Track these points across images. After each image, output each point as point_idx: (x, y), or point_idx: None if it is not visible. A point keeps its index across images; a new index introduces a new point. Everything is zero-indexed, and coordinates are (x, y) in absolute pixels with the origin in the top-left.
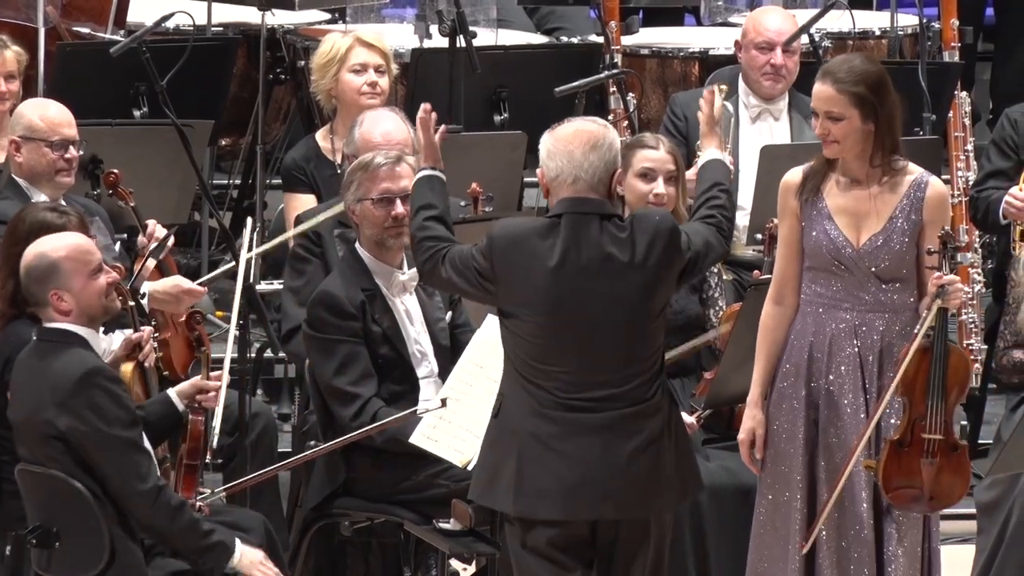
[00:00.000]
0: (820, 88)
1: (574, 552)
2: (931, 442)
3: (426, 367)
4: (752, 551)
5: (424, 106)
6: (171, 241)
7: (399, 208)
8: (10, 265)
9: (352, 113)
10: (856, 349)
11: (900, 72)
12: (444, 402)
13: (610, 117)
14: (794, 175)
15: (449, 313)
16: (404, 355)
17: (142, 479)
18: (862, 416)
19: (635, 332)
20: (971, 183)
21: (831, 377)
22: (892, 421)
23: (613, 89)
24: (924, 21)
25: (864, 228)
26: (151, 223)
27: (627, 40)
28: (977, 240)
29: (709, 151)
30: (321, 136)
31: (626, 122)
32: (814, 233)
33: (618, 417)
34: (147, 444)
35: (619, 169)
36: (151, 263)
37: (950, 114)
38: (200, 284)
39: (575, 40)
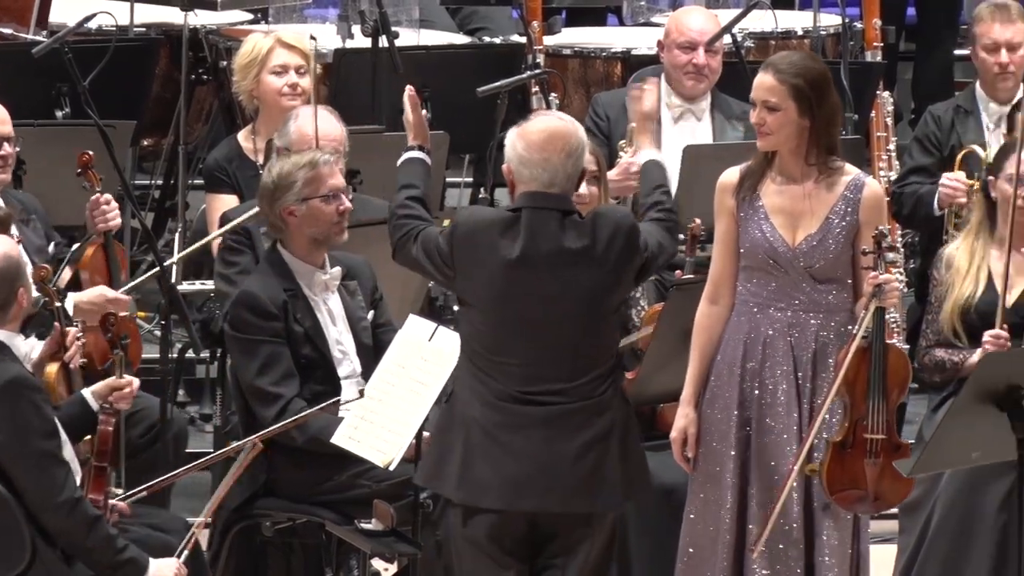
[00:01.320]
0: (761, 78)
1: (512, 547)
2: (874, 442)
3: (348, 366)
4: (682, 549)
5: (410, 87)
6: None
7: (344, 203)
8: None
9: (273, 114)
10: (790, 349)
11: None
12: (362, 393)
13: None
14: (731, 175)
15: (371, 312)
16: (326, 355)
17: (58, 491)
18: (795, 415)
19: (589, 328)
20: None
21: (765, 377)
22: (832, 420)
23: (535, 89)
24: (846, 21)
25: (800, 228)
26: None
27: (549, 40)
28: (899, 240)
29: (645, 152)
30: (243, 136)
31: None
32: (750, 232)
33: (567, 412)
34: (68, 453)
35: (583, 167)
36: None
37: (872, 114)
38: (124, 292)
39: (497, 40)
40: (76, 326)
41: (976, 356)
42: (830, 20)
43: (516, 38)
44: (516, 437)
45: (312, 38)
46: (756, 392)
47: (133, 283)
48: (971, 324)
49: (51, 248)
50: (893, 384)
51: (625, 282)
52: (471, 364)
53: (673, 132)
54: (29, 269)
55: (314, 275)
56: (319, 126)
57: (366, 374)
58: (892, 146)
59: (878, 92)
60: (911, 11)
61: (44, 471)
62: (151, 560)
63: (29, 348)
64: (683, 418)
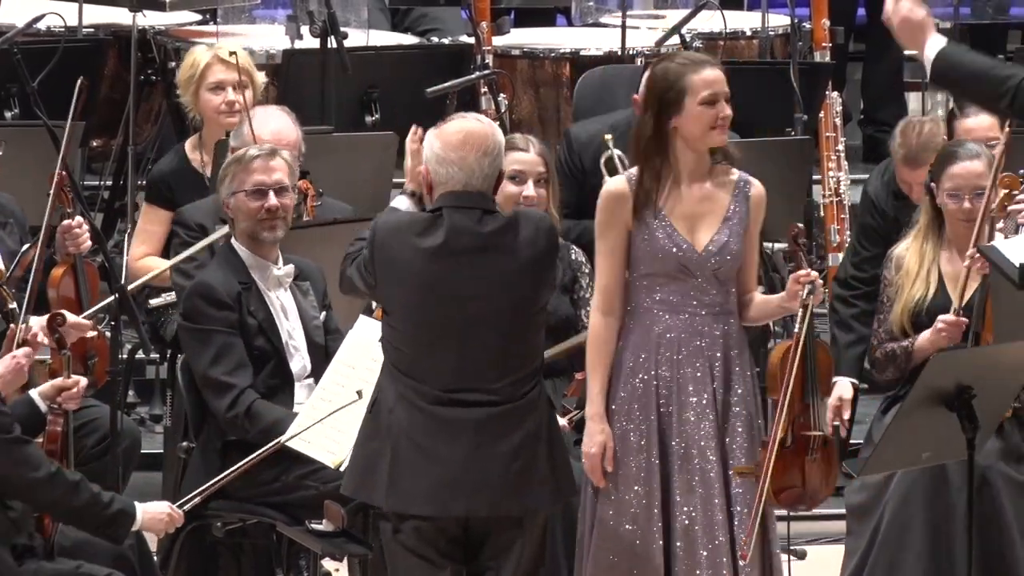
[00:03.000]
0: (718, 72)
1: (446, 549)
2: (815, 439)
3: (299, 362)
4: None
5: (415, 131)
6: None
7: (272, 200)
8: None
9: (214, 129)
10: (702, 352)
11: (771, 72)
12: (360, 394)
13: None
14: (620, 185)
15: (323, 313)
16: (279, 348)
17: (35, 468)
18: (712, 417)
19: (513, 328)
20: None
21: (680, 382)
22: (760, 422)
23: (484, 90)
24: (795, 21)
25: (703, 230)
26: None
27: (498, 41)
28: (848, 240)
29: None
30: (189, 147)
31: (497, 123)
32: (657, 242)
33: (493, 415)
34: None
35: (503, 169)
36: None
37: (821, 114)
38: (87, 317)
39: (447, 41)
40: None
41: (923, 336)
42: (779, 20)
43: (465, 39)
44: (443, 441)
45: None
46: (672, 398)
47: (93, 309)
48: (921, 326)
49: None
50: (824, 380)
51: (547, 282)
52: (395, 370)
53: None
54: None
55: (267, 269)
56: (275, 127)
57: (317, 373)
58: (841, 147)
59: (827, 93)
60: (861, 12)
61: (17, 455)
62: (138, 504)
63: None
64: (600, 433)
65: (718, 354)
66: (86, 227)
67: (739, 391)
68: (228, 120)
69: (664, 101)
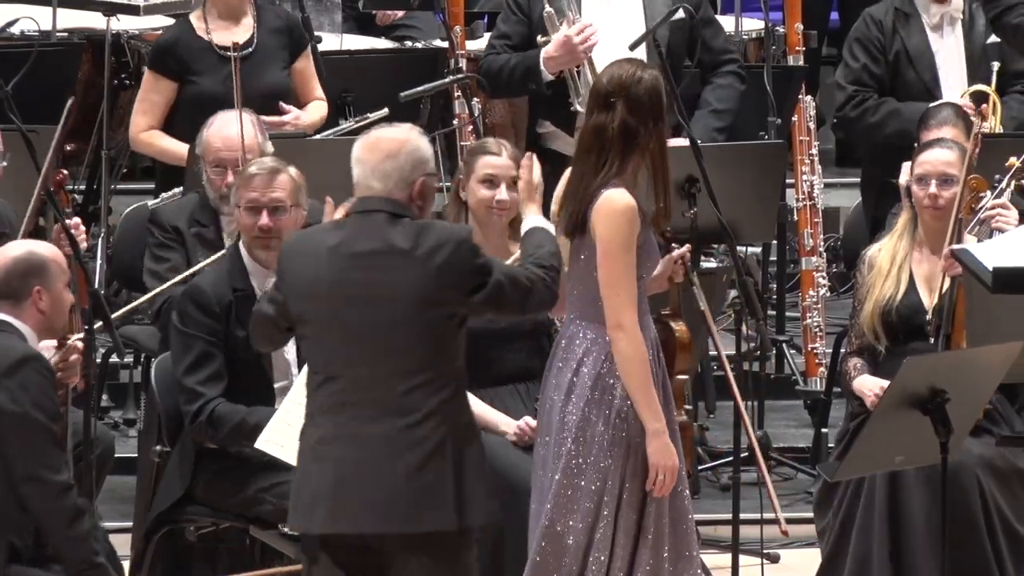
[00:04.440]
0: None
1: (354, 565)
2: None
3: (283, 377)
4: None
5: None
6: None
7: (264, 219)
8: None
9: None
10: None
11: (748, 75)
12: None
13: (455, 122)
14: (629, 196)
15: None
16: (262, 363)
17: (54, 471)
18: None
19: (416, 337)
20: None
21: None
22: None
23: (458, 94)
24: (769, 25)
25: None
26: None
27: (472, 45)
28: (822, 244)
29: (531, 218)
30: (195, 17)
31: (471, 127)
32: (655, 247)
33: (393, 428)
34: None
35: (423, 176)
36: None
37: (794, 118)
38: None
39: (420, 45)
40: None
41: (861, 385)
42: (752, 24)
43: (439, 43)
44: (341, 453)
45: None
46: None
47: (120, 312)
48: (891, 326)
49: None
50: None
51: (452, 295)
52: (308, 386)
53: (594, 2)
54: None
55: (267, 277)
56: (230, 132)
57: None
58: (815, 150)
59: (800, 96)
60: (834, 16)
61: (45, 447)
62: None
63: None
64: (675, 450)
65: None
66: (82, 227)
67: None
68: None
69: (660, 111)
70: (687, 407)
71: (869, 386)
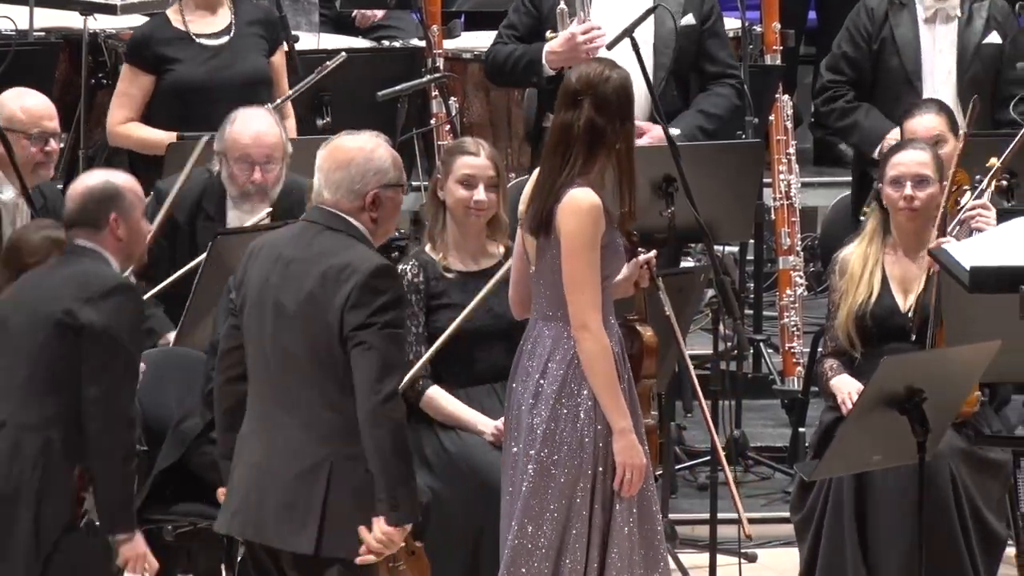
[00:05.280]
0: None
1: (265, 569)
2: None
3: None
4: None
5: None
6: None
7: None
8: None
9: None
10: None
11: (745, 93)
12: None
13: (432, 121)
14: (594, 195)
15: None
16: None
17: (125, 401)
18: None
19: (312, 352)
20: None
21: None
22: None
23: (435, 93)
24: (746, 24)
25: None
26: None
27: (449, 44)
28: (799, 244)
29: None
30: (172, 12)
31: (448, 126)
32: (621, 248)
33: (281, 440)
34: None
35: (377, 189)
36: None
37: (772, 117)
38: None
39: (398, 44)
40: None
41: (838, 384)
42: (730, 24)
43: (416, 42)
44: (246, 457)
45: None
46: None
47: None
48: (866, 331)
49: None
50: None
51: (342, 322)
52: None
53: None
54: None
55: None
56: (254, 129)
57: None
58: (792, 149)
59: (777, 96)
60: (812, 15)
61: (123, 375)
62: (138, 534)
63: None
64: (642, 449)
65: None
66: None
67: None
68: None
69: (628, 111)
70: (653, 412)
71: (845, 388)
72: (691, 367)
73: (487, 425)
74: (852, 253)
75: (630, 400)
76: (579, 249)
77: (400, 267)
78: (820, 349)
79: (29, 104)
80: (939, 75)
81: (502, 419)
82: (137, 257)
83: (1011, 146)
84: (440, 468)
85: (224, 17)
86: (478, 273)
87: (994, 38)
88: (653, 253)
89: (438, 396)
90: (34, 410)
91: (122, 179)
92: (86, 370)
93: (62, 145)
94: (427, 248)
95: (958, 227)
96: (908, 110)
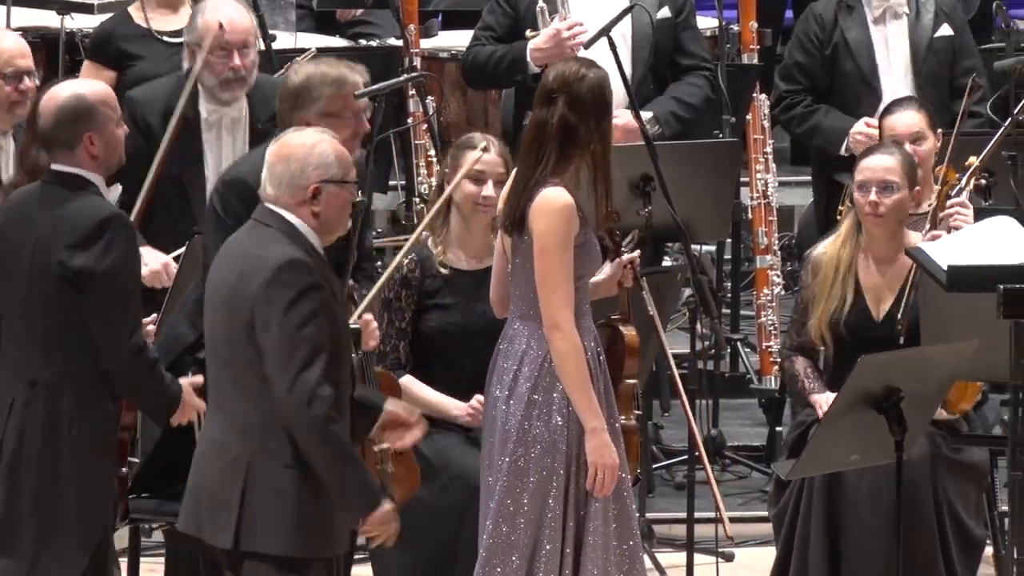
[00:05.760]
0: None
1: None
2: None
3: None
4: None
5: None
6: None
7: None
8: None
9: None
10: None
11: (717, 86)
12: None
13: (409, 120)
14: (566, 194)
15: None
16: None
17: (130, 332)
18: None
19: (238, 348)
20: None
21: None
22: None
23: (412, 92)
24: (723, 24)
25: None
26: None
27: (426, 43)
28: (776, 243)
29: None
30: (134, 9)
31: (425, 125)
32: (596, 248)
33: (215, 434)
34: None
35: (318, 183)
36: None
37: (749, 116)
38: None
39: (375, 43)
40: None
41: (823, 399)
42: (707, 23)
43: (393, 41)
44: (197, 450)
45: None
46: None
47: None
48: (840, 337)
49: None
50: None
51: (248, 320)
52: None
53: None
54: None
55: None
56: (226, 15)
57: None
58: (769, 148)
59: (754, 95)
60: (788, 14)
61: (123, 310)
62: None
63: (114, 196)
64: (615, 449)
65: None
66: None
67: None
68: None
69: (603, 110)
70: (637, 412)
71: (826, 404)
72: (674, 367)
73: (459, 407)
74: (825, 254)
75: (605, 400)
76: (551, 248)
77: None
78: (786, 342)
79: (1, 45)
80: (895, 73)
81: (475, 398)
82: (115, 165)
83: (989, 145)
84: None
85: (185, 15)
86: (480, 271)
87: (945, 31)
88: (636, 253)
89: (409, 384)
90: (60, 363)
91: (93, 91)
92: (89, 312)
93: (37, 83)
94: (428, 242)
95: (935, 225)
96: (888, 108)
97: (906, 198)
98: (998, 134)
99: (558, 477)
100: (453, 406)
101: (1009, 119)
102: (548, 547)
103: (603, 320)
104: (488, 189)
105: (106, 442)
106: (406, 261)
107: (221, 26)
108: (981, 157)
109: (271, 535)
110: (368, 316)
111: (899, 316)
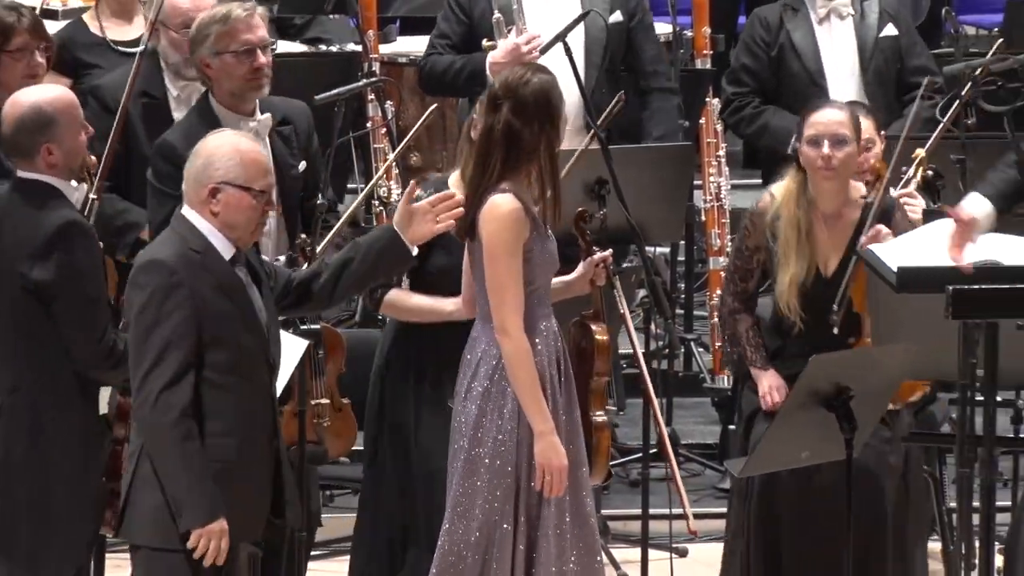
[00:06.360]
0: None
1: None
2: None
3: (272, 217)
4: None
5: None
6: None
7: (260, 59)
8: None
9: None
10: (565, 355)
11: (677, 89)
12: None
13: (369, 125)
14: (514, 201)
15: (303, 163)
16: None
17: (99, 335)
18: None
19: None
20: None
21: (562, 380)
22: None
23: (372, 97)
24: (677, 29)
25: (550, 236)
26: None
27: (385, 49)
28: (729, 244)
29: None
30: (88, 17)
31: (384, 129)
32: (549, 254)
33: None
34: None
35: (214, 184)
36: None
37: (702, 120)
38: None
39: (334, 49)
40: None
41: (766, 380)
42: (661, 28)
43: (353, 46)
44: None
45: None
46: (561, 395)
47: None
48: (806, 299)
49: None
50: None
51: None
52: None
53: (537, 3)
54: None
55: (240, 123)
56: None
57: (290, 217)
58: (722, 152)
59: (708, 99)
60: (742, 19)
61: (90, 315)
62: None
63: (80, 193)
64: (561, 446)
65: (564, 354)
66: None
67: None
68: None
69: (548, 115)
70: (610, 407)
71: (767, 382)
72: (643, 364)
73: (453, 302)
74: (780, 219)
75: (566, 398)
76: (499, 255)
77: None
78: (725, 296)
79: None
80: (842, 73)
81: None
82: (77, 168)
83: (931, 138)
84: (412, 486)
85: (140, 25)
86: None
87: (890, 30)
88: (609, 252)
89: (398, 295)
90: (36, 369)
91: (54, 98)
92: (57, 319)
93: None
94: (449, 180)
95: (881, 213)
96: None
97: (855, 152)
98: (937, 129)
99: (509, 477)
100: (447, 302)
101: (947, 114)
102: (501, 547)
103: (577, 318)
104: None
105: (88, 441)
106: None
107: (184, 5)
108: (927, 148)
109: (150, 527)
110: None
111: (836, 307)
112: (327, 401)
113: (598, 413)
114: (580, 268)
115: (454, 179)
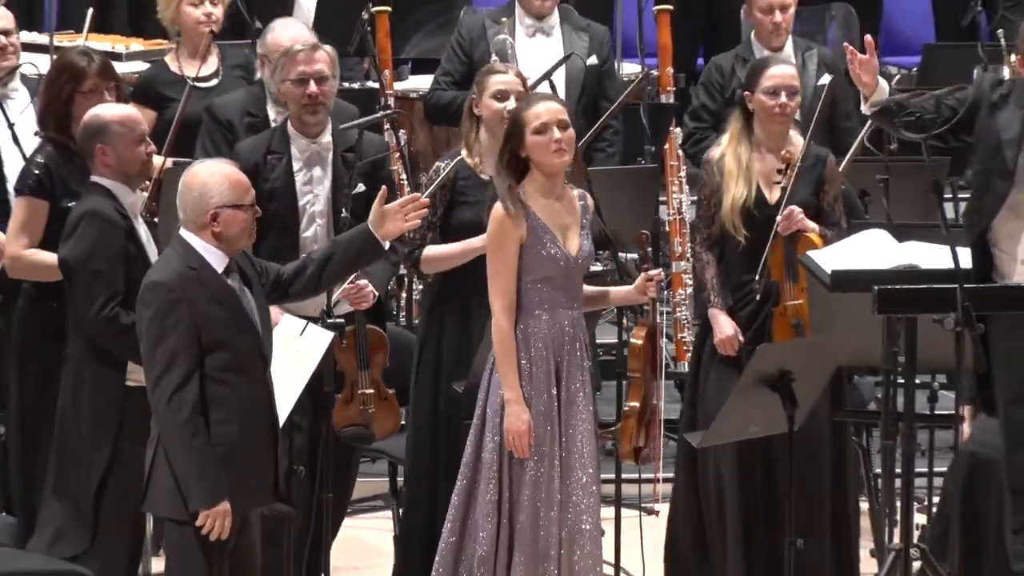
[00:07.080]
0: (550, 104)
1: None
2: (655, 408)
3: (312, 228)
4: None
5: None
6: None
7: (311, 88)
8: (50, 93)
9: (192, 39)
10: (575, 342)
11: (626, 111)
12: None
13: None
14: (500, 210)
15: (361, 186)
16: (287, 214)
17: (102, 305)
18: (591, 404)
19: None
20: (685, 140)
21: (568, 370)
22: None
23: (387, 126)
24: (645, 69)
25: (571, 237)
26: None
27: (399, 85)
28: (689, 251)
29: None
30: (169, 58)
31: (398, 153)
32: (547, 251)
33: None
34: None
35: (215, 208)
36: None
37: (666, 146)
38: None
39: (356, 86)
40: None
41: (719, 320)
42: (632, 68)
43: (371, 84)
44: None
45: None
46: (564, 386)
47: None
48: (752, 219)
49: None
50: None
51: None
52: None
53: (527, 46)
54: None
55: (304, 142)
56: (292, 34)
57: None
58: (683, 173)
59: (671, 128)
60: (700, 61)
61: (92, 287)
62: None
63: (137, 199)
64: (525, 413)
65: (584, 345)
66: None
67: (582, 374)
68: (204, 30)
69: (510, 135)
70: (634, 403)
71: (722, 330)
72: (662, 361)
73: (480, 240)
74: (724, 156)
75: (568, 392)
76: (490, 250)
77: (439, 164)
78: (696, 236)
79: None
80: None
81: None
82: (137, 176)
83: (846, 155)
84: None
85: (213, 63)
86: None
87: (827, 79)
88: (659, 271)
89: (432, 250)
90: (79, 338)
91: (112, 112)
92: (71, 293)
93: (19, 38)
94: (463, 154)
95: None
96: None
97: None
98: (852, 148)
99: (492, 443)
100: (474, 240)
101: (864, 129)
102: (484, 512)
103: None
104: (511, 103)
105: (112, 408)
106: (443, 164)
107: (286, 43)
108: (842, 165)
109: (172, 500)
110: (362, 281)
111: (757, 277)
112: (372, 391)
113: (629, 404)
114: (638, 281)
115: (464, 152)
